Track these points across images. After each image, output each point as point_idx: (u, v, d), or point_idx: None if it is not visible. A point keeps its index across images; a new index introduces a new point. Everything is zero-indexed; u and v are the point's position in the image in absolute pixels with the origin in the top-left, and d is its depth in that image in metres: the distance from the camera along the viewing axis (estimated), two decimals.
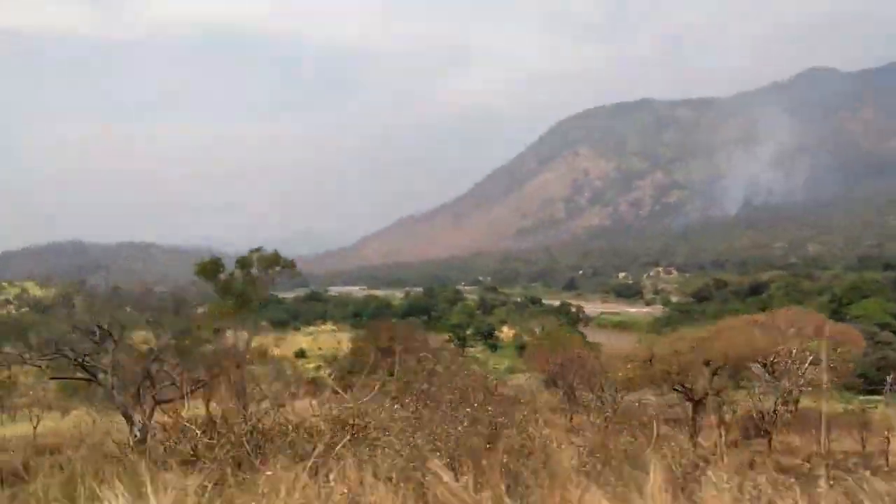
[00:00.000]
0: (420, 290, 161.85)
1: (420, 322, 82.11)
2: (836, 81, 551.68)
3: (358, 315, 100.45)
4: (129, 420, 19.94)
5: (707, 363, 17.32)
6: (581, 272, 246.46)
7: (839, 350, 22.54)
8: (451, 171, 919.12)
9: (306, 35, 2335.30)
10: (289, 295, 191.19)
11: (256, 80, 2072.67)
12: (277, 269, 30.90)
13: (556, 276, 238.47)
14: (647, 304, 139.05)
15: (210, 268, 30.37)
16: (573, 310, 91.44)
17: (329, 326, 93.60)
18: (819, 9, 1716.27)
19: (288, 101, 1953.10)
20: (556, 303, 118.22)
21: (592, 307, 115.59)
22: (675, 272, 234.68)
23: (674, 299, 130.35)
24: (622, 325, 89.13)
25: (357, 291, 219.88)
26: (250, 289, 28.53)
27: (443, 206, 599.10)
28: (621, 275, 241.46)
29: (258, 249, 31.83)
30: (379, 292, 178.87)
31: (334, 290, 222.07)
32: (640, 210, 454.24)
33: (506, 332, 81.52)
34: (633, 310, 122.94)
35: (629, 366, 19.14)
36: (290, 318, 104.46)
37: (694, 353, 18.05)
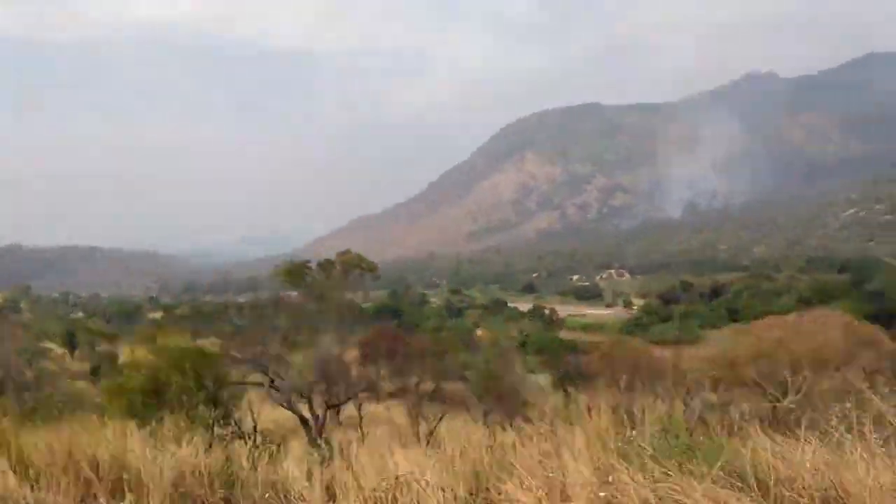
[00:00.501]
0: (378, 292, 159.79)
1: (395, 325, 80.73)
2: (775, 86, 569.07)
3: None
4: None
5: (792, 366, 16.98)
6: (536, 275, 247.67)
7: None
8: (407, 170, 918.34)
9: (253, 38, 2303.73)
10: (241, 299, 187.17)
11: (205, 83, 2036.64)
12: (357, 271, 30.47)
13: (511, 278, 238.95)
14: (608, 305, 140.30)
15: (295, 271, 30.27)
16: (546, 312, 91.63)
17: None
18: (759, 10, 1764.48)
19: (237, 103, 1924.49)
20: (519, 305, 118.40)
21: (558, 309, 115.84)
22: (626, 274, 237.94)
23: (636, 301, 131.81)
24: (592, 328, 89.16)
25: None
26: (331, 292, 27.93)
27: (397, 207, 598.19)
28: (574, 277, 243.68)
29: (346, 252, 31.05)
30: None
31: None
32: (587, 213, 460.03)
33: (481, 336, 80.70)
34: (596, 311, 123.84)
35: (713, 371, 18.64)
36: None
37: (778, 355, 17.70)
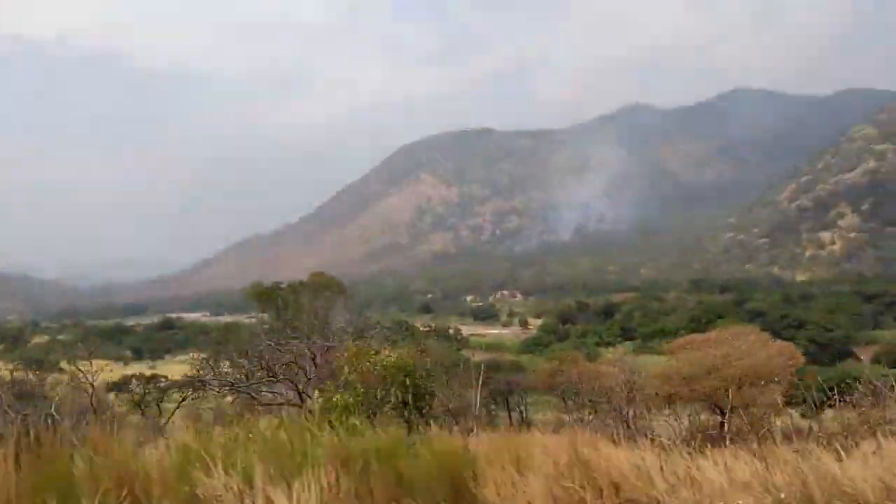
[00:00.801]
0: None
1: None
2: (655, 117, 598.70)
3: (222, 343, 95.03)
4: None
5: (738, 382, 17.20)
6: (431, 296, 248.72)
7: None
8: (297, 191, 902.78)
9: (133, 54, 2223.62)
10: (129, 322, 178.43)
11: (78, 99, 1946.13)
12: (327, 293, 29.85)
13: (408, 299, 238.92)
14: (504, 325, 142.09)
15: (266, 294, 30.42)
16: (451, 332, 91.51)
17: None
18: (642, 43, 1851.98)
19: (112, 119, 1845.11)
20: (420, 325, 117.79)
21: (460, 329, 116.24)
22: (519, 295, 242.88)
23: (532, 321, 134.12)
24: (494, 347, 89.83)
25: (200, 318, 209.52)
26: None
27: (289, 227, 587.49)
28: (469, 298, 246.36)
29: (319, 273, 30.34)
30: (228, 318, 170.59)
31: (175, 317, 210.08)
32: (481, 235, 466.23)
33: (386, 356, 79.57)
34: (494, 331, 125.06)
35: (665, 386, 18.61)
36: (146, 347, 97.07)
37: (725, 371, 17.94)
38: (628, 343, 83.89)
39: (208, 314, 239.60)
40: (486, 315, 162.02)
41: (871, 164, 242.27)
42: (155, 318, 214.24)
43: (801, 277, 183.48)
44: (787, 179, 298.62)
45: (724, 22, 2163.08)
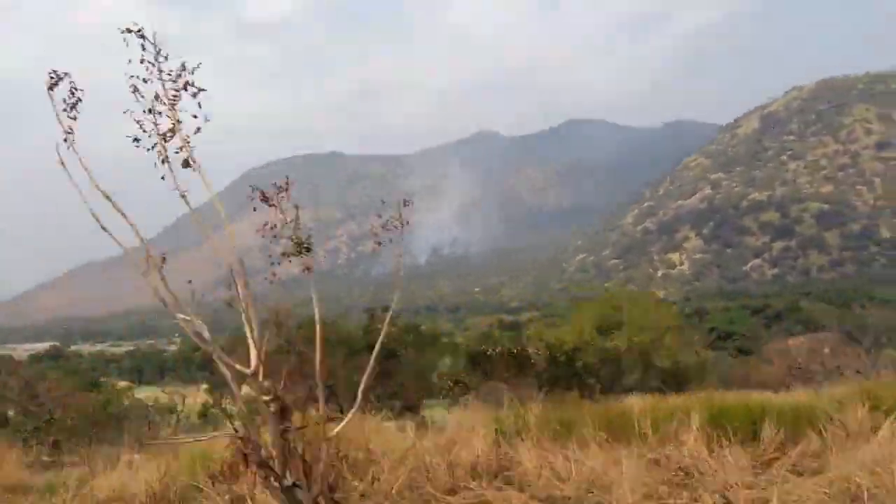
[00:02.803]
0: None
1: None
2: (501, 143, 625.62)
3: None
4: None
5: None
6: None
7: None
8: (132, 213, 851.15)
9: None
10: None
11: None
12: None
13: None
14: None
15: None
16: None
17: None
18: (486, 77, 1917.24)
19: None
20: None
21: None
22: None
23: None
24: None
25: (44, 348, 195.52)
26: None
27: (128, 253, 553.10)
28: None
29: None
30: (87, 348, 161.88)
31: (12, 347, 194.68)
32: (336, 259, 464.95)
33: None
34: None
35: None
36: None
37: None
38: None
39: (58, 344, 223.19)
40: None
41: (708, 191, 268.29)
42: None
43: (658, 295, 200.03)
44: (629, 204, 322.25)
45: (563, 55, 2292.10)
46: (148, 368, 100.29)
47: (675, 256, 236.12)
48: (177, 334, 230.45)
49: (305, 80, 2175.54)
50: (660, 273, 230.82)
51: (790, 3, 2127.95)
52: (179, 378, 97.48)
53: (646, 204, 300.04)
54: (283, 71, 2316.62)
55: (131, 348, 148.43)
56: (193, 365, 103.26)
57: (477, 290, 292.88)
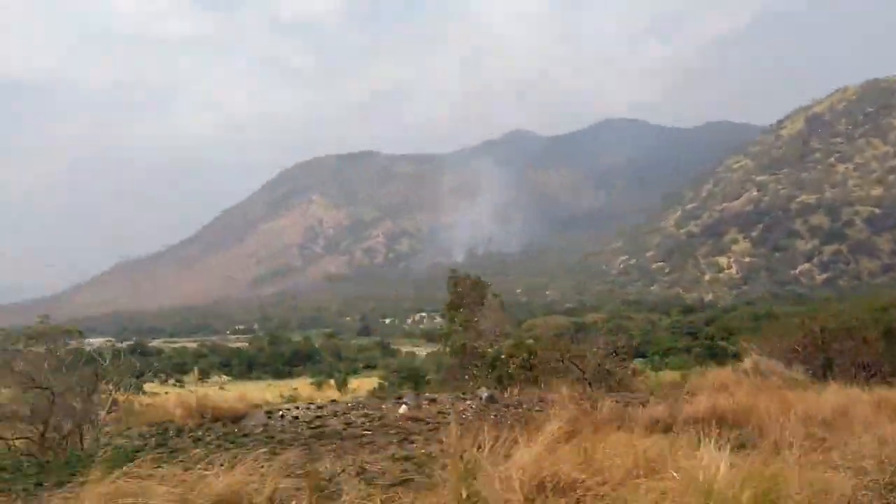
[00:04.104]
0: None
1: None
2: (535, 143, 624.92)
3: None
4: None
5: None
6: (348, 318, 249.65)
7: None
8: (170, 212, 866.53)
9: None
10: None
11: None
12: None
13: (323, 322, 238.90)
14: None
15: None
16: None
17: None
18: (517, 76, 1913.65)
19: None
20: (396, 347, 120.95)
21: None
22: (438, 318, 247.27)
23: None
24: None
25: (106, 344, 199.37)
26: None
27: (168, 250, 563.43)
28: (387, 320, 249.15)
29: None
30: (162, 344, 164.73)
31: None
32: (374, 258, 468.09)
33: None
34: None
35: None
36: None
37: None
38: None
39: (112, 340, 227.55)
40: (438, 336, 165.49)
41: (754, 192, 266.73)
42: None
43: (706, 299, 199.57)
44: (669, 206, 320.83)
45: (595, 54, 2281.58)
46: (236, 363, 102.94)
47: (722, 260, 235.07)
48: (228, 331, 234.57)
49: (339, 78, 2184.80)
50: (707, 277, 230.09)
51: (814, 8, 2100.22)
52: (271, 372, 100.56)
53: (688, 206, 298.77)
54: (316, 70, 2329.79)
55: (193, 344, 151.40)
56: (282, 359, 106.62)
57: (518, 290, 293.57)
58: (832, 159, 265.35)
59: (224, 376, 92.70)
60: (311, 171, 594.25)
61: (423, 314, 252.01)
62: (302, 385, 62.56)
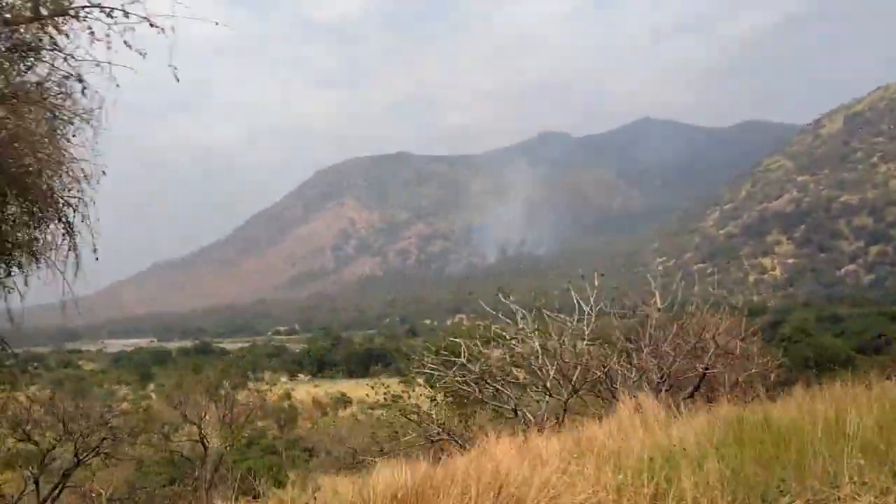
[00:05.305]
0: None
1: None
2: (568, 144, 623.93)
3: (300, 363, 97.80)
4: None
5: None
6: (388, 319, 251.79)
7: None
8: (198, 214, 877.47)
9: None
10: (82, 347, 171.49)
11: None
12: None
13: (366, 323, 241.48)
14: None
15: None
16: None
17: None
18: (550, 77, 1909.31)
19: None
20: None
21: None
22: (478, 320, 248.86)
23: None
24: None
25: (148, 344, 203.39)
26: None
27: (202, 252, 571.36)
28: (428, 321, 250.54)
29: None
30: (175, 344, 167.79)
31: (115, 343, 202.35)
32: (407, 259, 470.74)
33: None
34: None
35: None
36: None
37: None
38: None
39: (154, 340, 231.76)
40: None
41: (794, 193, 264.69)
42: (104, 343, 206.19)
43: (754, 300, 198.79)
44: (707, 206, 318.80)
45: (628, 55, 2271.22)
46: (307, 363, 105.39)
47: (766, 261, 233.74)
48: (270, 332, 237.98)
49: (371, 80, 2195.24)
50: (752, 278, 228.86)
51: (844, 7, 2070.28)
52: (343, 372, 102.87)
53: (727, 206, 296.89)
54: (349, 72, 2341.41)
55: (245, 344, 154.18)
56: (356, 359, 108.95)
57: (556, 292, 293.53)
58: (874, 159, 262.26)
59: (301, 376, 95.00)
60: (344, 173, 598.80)
61: (462, 315, 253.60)
62: (394, 384, 64.17)
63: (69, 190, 6.16)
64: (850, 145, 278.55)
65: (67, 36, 5.68)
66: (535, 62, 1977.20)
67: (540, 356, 13.01)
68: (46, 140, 5.80)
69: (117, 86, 5.81)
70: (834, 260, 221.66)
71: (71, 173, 6.06)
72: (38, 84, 5.81)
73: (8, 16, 5.41)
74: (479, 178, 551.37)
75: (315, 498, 5.85)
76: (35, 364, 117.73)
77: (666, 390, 12.02)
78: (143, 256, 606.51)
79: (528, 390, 13.20)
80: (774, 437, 6.36)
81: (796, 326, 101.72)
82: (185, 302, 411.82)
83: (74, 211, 6.24)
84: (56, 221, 6.20)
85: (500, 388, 12.84)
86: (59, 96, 5.93)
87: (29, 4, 5.45)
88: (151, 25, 5.74)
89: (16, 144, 5.48)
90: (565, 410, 12.00)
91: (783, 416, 7.36)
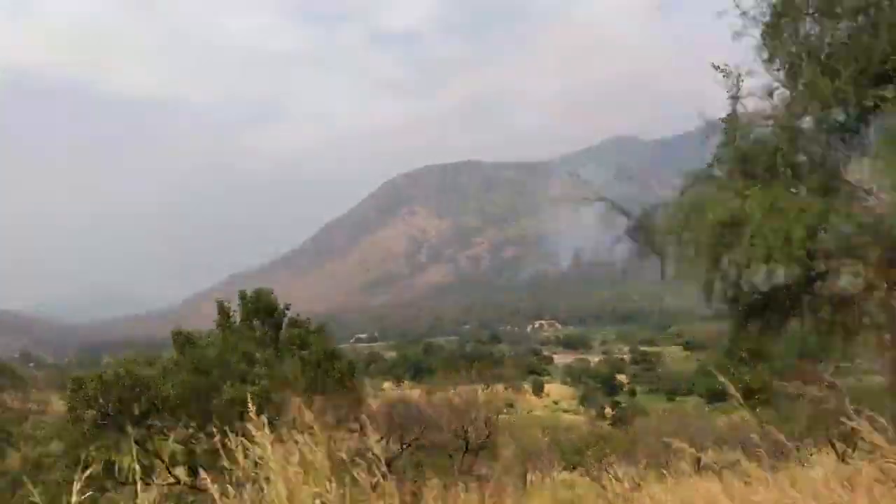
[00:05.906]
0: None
1: None
2: (639, 148, 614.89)
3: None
4: None
5: None
6: (468, 326, 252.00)
7: None
8: (278, 224, 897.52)
9: (98, 82, 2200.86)
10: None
11: (45, 131, 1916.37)
12: None
13: (444, 329, 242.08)
14: (605, 353, 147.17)
15: None
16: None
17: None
18: (620, 80, 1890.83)
19: (80, 150, 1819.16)
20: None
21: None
22: (557, 325, 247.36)
23: (624, 348, 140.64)
24: None
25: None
26: None
27: (280, 260, 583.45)
28: (507, 327, 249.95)
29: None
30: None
31: None
32: (478, 266, 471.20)
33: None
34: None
35: None
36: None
37: None
38: None
39: None
40: (577, 344, 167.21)
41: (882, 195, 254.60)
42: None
43: None
44: None
45: (696, 55, 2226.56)
46: (404, 369, 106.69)
47: None
48: (352, 339, 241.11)
49: (439, 88, 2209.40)
50: None
51: None
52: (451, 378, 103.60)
53: None
54: (417, 81, 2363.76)
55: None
56: (452, 365, 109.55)
57: (636, 297, 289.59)
58: None
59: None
60: (415, 181, 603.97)
61: (543, 321, 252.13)
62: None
63: None
64: None
65: None
66: (608, 65, 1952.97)
67: None
68: None
69: None
70: None
71: None
72: None
73: None
74: (551, 184, 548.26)
75: None
76: None
77: None
78: (219, 267, 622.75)
79: None
80: None
81: None
82: None
83: None
84: None
85: None
86: None
87: None
88: None
89: None
90: None
91: None
